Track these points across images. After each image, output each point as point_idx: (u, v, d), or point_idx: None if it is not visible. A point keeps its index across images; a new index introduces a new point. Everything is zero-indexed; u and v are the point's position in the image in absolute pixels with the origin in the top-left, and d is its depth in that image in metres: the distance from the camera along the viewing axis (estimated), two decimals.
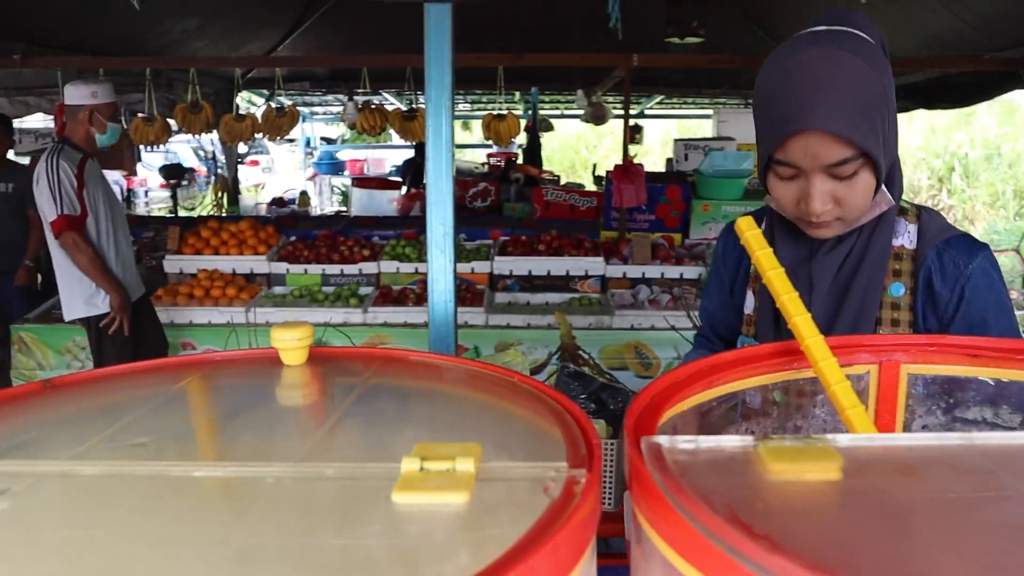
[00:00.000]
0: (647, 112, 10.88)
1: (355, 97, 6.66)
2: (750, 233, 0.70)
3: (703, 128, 13.52)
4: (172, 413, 0.62)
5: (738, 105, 8.81)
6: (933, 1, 4.41)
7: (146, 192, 11.99)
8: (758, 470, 0.42)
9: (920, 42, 5.01)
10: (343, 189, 12.13)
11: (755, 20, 6.17)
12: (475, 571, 0.36)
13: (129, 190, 10.55)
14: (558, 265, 4.71)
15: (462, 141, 15.91)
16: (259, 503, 0.46)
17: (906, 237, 1.23)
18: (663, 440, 0.45)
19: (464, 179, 6.83)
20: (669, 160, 7.55)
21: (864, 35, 1.10)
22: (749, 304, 1.36)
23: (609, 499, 2.09)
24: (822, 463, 0.42)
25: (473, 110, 11.79)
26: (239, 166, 8.46)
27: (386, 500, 0.44)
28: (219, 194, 7.76)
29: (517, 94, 9.76)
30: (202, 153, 13.67)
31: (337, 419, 0.58)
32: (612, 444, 2.09)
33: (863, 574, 0.33)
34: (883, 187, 1.16)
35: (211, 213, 7.69)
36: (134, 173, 9.83)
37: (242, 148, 8.75)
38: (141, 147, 7.83)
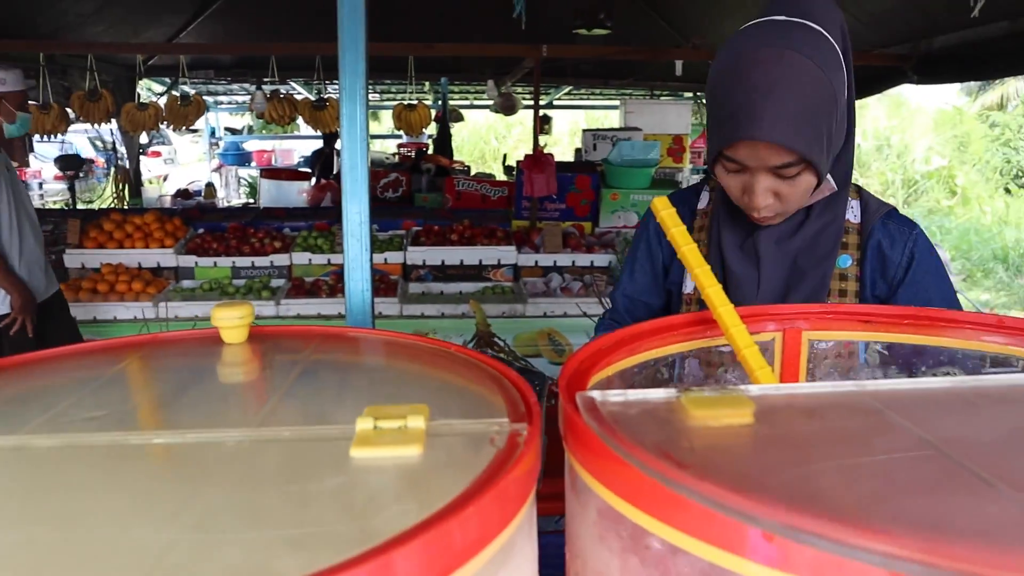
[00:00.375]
0: (556, 103, 11.02)
1: (263, 86, 6.54)
2: (665, 212, 0.75)
3: (611, 118, 13.75)
4: (119, 390, 0.64)
5: (644, 96, 9.00)
6: None
7: (40, 184, 11.48)
8: (681, 417, 0.48)
9: None
10: (251, 180, 11.87)
11: (659, 13, 6.33)
12: (433, 511, 0.40)
13: (22, 182, 10.07)
14: (471, 254, 4.75)
15: (371, 131, 15.72)
16: (221, 464, 0.48)
17: (851, 212, 1.31)
18: (596, 394, 0.50)
19: (375, 169, 6.79)
20: (578, 150, 7.68)
21: (819, 27, 1.12)
22: (690, 283, 1.40)
23: None
24: (737, 409, 0.48)
25: (383, 100, 11.69)
26: (140, 157, 8.19)
27: (344, 456, 0.47)
28: (120, 186, 7.50)
29: (427, 84, 9.73)
30: (100, 144, 13.16)
31: (285, 390, 0.61)
32: None
33: (773, 492, 0.38)
34: (827, 177, 1.22)
35: (112, 206, 7.41)
36: (27, 164, 9.38)
37: (143, 138, 8.45)
38: (34, 137, 7.48)
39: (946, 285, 1.30)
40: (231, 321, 0.71)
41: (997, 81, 15.08)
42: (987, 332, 0.75)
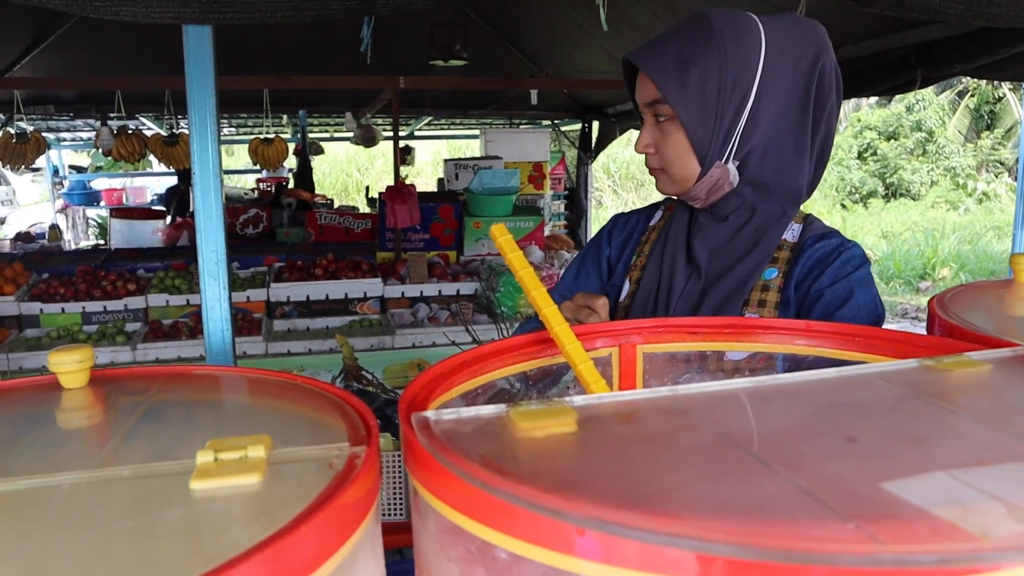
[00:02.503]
0: (417, 133, 11.05)
1: (109, 122, 6.27)
2: (502, 238, 0.80)
3: (472, 147, 13.93)
4: None
5: (503, 125, 9.17)
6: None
7: None
8: (510, 430, 0.51)
9: None
10: (100, 221, 11.33)
11: (512, 42, 6.49)
12: (271, 532, 0.41)
13: None
14: (336, 288, 4.71)
15: (226, 166, 15.31)
16: (57, 508, 0.48)
17: (790, 233, 1.36)
18: (430, 414, 0.53)
19: (234, 206, 6.62)
20: (440, 180, 7.74)
21: (763, 27, 1.23)
22: (624, 293, 1.45)
23: (400, 510, 2.15)
24: (561, 419, 0.52)
25: (239, 134, 11.41)
26: None
27: (184, 489, 0.48)
28: None
29: (284, 117, 9.57)
30: None
31: (126, 431, 0.61)
32: (399, 455, 2.15)
33: (586, 489, 0.42)
34: (729, 166, 1.28)
35: None
36: None
37: None
38: None
39: (872, 294, 1.28)
40: (70, 365, 0.70)
41: None
42: (798, 336, 0.83)
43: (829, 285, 1.27)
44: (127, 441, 0.59)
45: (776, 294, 1.31)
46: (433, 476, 0.47)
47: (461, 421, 0.53)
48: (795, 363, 0.85)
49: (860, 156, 18.29)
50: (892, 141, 18.12)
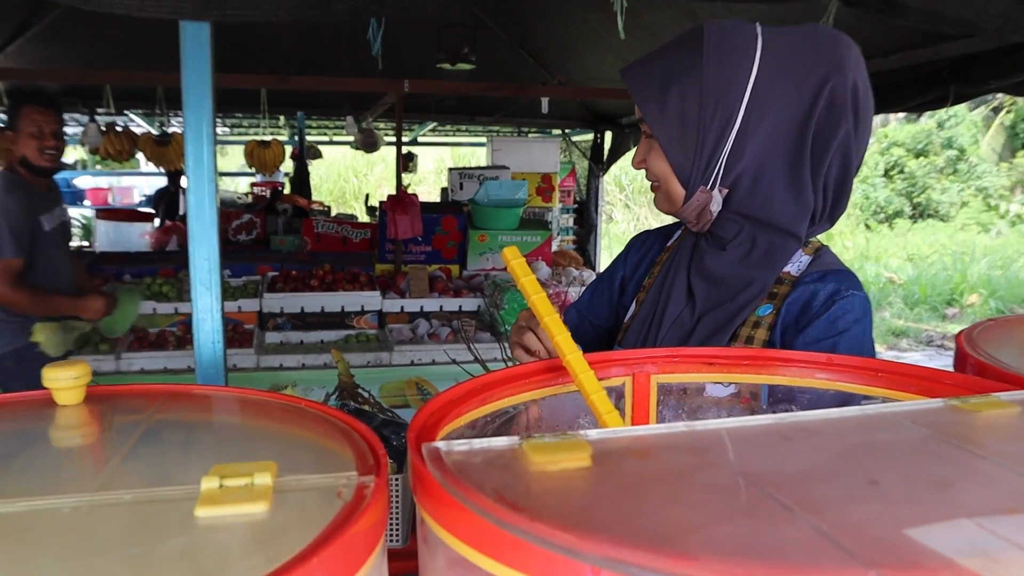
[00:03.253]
0: (420, 139, 11.09)
1: (97, 118, 6.30)
2: (515, 261, 0.82)
3: (478, 156, 13.97)
4: None
5: (511, 133, 9.19)
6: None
7: None
8: (523, 463, 0.53)
9: None
10: (84, 221, 11.38)
11: (524, 47, 6.53)
12: (278, 565, 0.43)
13: None
14: (332, 301, 4.72)
15: (219, 168, 15.37)
16: (57, 532, 0.50)
17: (795, 265, 1.30)
18: (441, 444, 0.55)
19: (226, 210, 6.64)
20: (444, 189, 7.76)
21: (756, 49, 1.19)
22: (630, 314, 1.48)
23: (397, 536, 2.16)
24: (576, 453, 0.53)
25: (233, 134, 11.46)
26: None
27: (188, 517, 0.50)
28: None
29: (282, 118, 9.61)
30: None
31: (127, 452, 0.62)
32: (397, 480, 2.16)
33: (601, 527, 0.44)
34: (715, 192, 1.26)
35: None
36: None
37: None
38: None
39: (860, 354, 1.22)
40: (65, 382, 0.72)
41: None
42: (819, 370, 0.85)
43: (814, 342, 1.21)
44: (127, 463, 0.60)
45: (766, 332, 1.27)
46: (444, 508, 0.49)
47: (472, 452, 0.54)
48: (778, 403, 0.88)
49: (886, 174, 18.32)
50: (921, 158, 18.15)
